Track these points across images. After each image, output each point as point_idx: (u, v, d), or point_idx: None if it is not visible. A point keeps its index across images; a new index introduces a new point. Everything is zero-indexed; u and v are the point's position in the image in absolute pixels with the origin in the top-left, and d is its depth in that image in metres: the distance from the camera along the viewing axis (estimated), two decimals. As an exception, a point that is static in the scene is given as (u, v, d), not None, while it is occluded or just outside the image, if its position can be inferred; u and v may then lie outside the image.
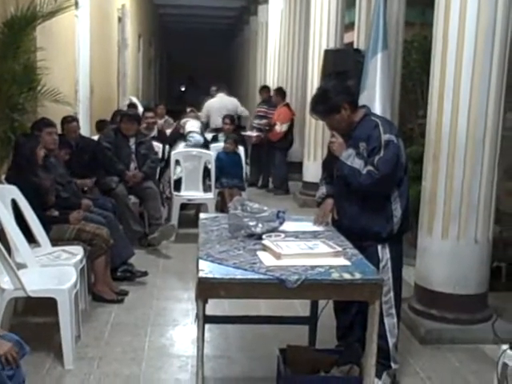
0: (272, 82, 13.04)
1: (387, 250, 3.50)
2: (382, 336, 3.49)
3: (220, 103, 10.17)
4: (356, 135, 3.45)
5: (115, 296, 4.92)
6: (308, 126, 9.20)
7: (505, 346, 3.07)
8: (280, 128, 9.90)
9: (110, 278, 5.04)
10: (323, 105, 3.47)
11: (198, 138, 8.21)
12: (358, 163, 3.37)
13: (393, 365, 3.61)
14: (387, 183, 3.40)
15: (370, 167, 3.33)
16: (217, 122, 9.71)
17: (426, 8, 7.24)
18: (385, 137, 3.35)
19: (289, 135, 10.01)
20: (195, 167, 7.37)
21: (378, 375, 3.50)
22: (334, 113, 3.44)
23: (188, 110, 9.83)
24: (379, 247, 3.50)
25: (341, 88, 3.50)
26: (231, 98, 10.66)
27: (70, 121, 6.16)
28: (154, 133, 8.06)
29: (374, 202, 3.46)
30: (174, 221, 6.94)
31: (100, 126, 7.59)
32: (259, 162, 10.35)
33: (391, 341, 3.54)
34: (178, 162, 7.36)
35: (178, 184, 7.35)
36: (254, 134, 10.15)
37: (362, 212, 3.48)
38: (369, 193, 3.42)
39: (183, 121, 8.63)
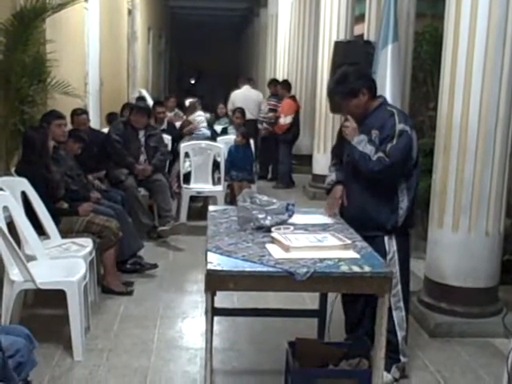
0: (282, 75, 13.00)
1: (394, 243, 3.49)
2: (391, 329, 3.48)
3: (245, 95, 10.21)
4: (368, 123, 3.45)
5: (124, 288, 4.93)
6: (318, 118, 9.18)
7: (515, 340, 3.05)
8: (284, 120, 9.85)
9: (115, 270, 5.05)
10: (342, 87, 3.47)
11: (204, 131, 8.22)
12: (368, 149, 3.36)
13: (402, 358, 3.60)
14: (396, 171, 3.39)
15: (380, 154, 3.32)
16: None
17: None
18: (399, 126, 3.35)
19: (293, 128, 9.91)
20: (204, 160, 7.37)
21: (387, 368, 3.51)
22: (352, 96, 3.43)
23: (189, 100, 9.73)
24: (386, 239, 3.49)
25: (362, 73, 3.53)
26: (256, 91, 10.82)
27: (79, 113, 6.17)
28: (164, 125, 8.06)
29: (381, 192, 3.46)
30: (183, 213, 6.94)
31: (110, 118, 7.60)
32: (268, 155, 10.31)
33: (400, 334, 3.54)
34: (187, 155, 7.35)
35: (187, 177, 7.35)
36: (263, 126, 10.13)
37: (368, 201, 3.49)
38: (376, 180, 3.41)
39: (192, 118, 8.57)
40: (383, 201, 3.46)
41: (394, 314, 3.50)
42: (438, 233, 4.39)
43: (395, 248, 3.49)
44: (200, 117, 8.45)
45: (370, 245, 3.24)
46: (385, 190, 3.45)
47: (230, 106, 10.01)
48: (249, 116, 9.82)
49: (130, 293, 4.91)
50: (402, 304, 3.51)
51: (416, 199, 3.52)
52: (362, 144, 3.39)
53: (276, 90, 10.52)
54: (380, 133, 3.38)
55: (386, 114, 3.43)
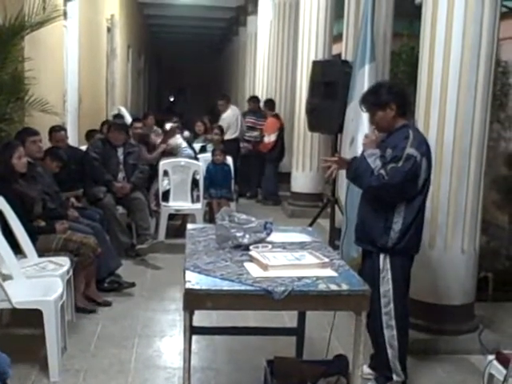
0: (261, 93, 13.06)
1: (388, 261, 3.52)
2: (382, 347, 3.52)
3: (235, 115, 10.13)
4: (388, 141, 3.51)
5: (95, 306, 4.94)
6: (296, 136, 9.23)
7: (491, 357, 3.09)
8: (268, 139, 9.96)
9: (95, 288, 5.01)
10: (373, 97, 3.55)
11: (189, 151, 8.20)
12: (376, 163, 3.41)
13: (394, 377, 3.62)
14: (393, 193, 3.43)
15: (382, 171, 3.37)
16: (234, 133, 9.89)
17: (413, 19, 7.31)
18: (409, 150, 3.37)
19: (278, 145, 10.00)
20: (183, 178, 7.36)
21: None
22: (379, 108, 3.49)
23: (169, 125, 9.70)
24: (381, 256, 3.54)
25: (395, 89, 3.56)
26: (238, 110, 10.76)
27: (57, 130, 6.14)
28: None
29: (378, 210, 3.52)
30: (162, 231, 6.92)
31: (90, 135, 7.57)
32: (248, 173, 10.33)
33: (390, 352, 3.56)
34: (165, 173, 7.34)
35: (165, 194, 7.33)
36: (243, 145, 10.16)
37: (367, 215, 3.58)
38: (375, 196, 3.48)
39: (173, 141, 8.46)
40: (378, 218, 3.51)
41: (385, 332, 3.53)
42: (415, 251, 4.43)
43: (389, 266, 3.52)
44: (179, 140, 8.40)
45: (367, 259, 3.43)
46: (382, 208, 3.50)
47: (225, 128, 9.64)
48: (233, 135, 9.84)
49: (108, 304, 4.96)
50: (393, 323, 3.53)
51: (419, 225, 3.53)
52: (372, 158, 3.45)
53: (256, 107, 10.59)
54: (392, 152, 3.43)
55: (403, 135, 3.46)
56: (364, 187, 3.53)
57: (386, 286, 3.50)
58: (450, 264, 4.33)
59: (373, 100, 3.55)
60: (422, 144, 3.45)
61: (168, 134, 8.18)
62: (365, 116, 4.78)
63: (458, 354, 4.24)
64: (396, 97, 3.51)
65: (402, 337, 3.59)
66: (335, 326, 4.06)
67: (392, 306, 3.53)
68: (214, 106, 18.12)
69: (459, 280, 4.36)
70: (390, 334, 3.55)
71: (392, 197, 3.46)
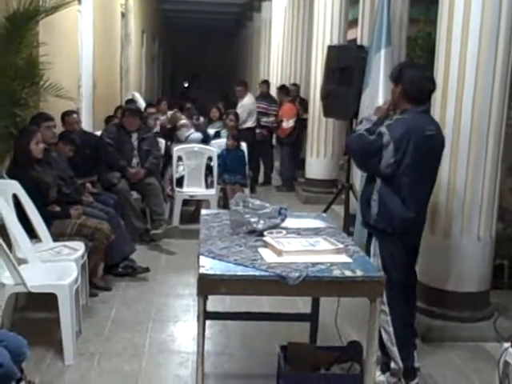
0: (275, 79, 13.02)
1: (377, 246, 3.50)
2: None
3: (254, 102, 9.95)
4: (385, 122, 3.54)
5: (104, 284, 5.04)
6: (311, 122, 9.18)
7: (506, 344, 3.06)
8: (287, 124, 9.93)
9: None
10: (394, 68, 3.69)
11: (196, 134, 8.18)
12: (361, 127, 3.54)
13: (392, 364, 3.57)
14: (354, 158, 3.77)
15: (355, 133, 3.57)
16: (254, 120, 9.73)
17: (430, 5, 7.23)
18: (382, 128, 3.39)
19: (296, 131, 9.96)
20: (197, 163, 7.36)
21: (382, 369, 3.61)
22: (392, 81, 3.56)
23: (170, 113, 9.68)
24: (373, 241, 3.54)
25: (413, 74, 3.48)
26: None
27: (70, 113, 6.15)
28: (157, 128, 8.05)
29: (366, 186, 3.61)
30: (176, 217, 6.93)
31: (110, 121, 7.57)
32: (261, 159, 10.30)
33: (385, 338, 3.52)
34: (180, 159, 7.34)
35: (180, 180, 7.34)
36: (258, 131, 10.10)
37: (362, 192, 3.72)
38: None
39: (179, 124, 8.43)
40: (365, 194, 3.58)
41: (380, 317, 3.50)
42: (431, 237, 4.39)
43: (378, 252, 3.49)
44: (186, 132, 8.34)
45: (367, 243, 3.49)
46: (367, 185, 3.58)
47: (243, 116, 9.43)
48: (251, 124, 9.73)
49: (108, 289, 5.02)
50: (386, 308, 3.47)
51: (400, 208, 3.42)
52: (367, 122, 3.58)
53: (266, 92, 10.53)
54: None
55: (390, 117, 3.51)
56: None
57: None
58: (465, 251, 4.30)
59: (392, 71, 3.65)
60: (400, 129, 3.37)
61: (171, 121, 8.12)
62: (380, 101, 4.74)
63: (474, 342, 4.22)
64: (407, 80, 3.46)
65: (399, 323, 3.52)
66: (349, 312, 4.06)
67: (384, 292, 3.44)
68: (228, 92, 18.09)
69: (475, 267, 4.33)
70: (384, 319, 3.48)
71: (355, 162, 3.74)
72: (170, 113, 9.73)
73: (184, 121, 8.32)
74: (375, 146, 3.36)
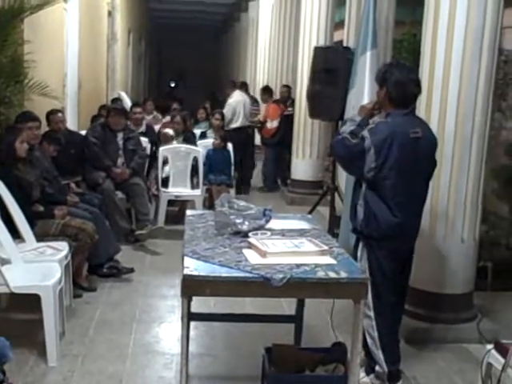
0: (262, 79, 13.03)
1: (365, 251, 3.47)
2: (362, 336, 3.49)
3: (244, 101, 9.84)
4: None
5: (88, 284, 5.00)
6: (297, 123, 9.19)
7: (489, 346, 3.08)
8: (271, 124, 9.91)
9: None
10: (379, 70, 3.62)
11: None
12: (346, 129, 3.51)
13: (377, 367, 3.57)
14: (340, 162, 3.74)
15: (339, 135, 3.52)
16: (240, 121, 9.62)
17: (416, 6, 7.24)
18: (364, 132, 3.37)
19: (280, 132, 9.93)
20: (183, 164, 7.34)
21: (367, 371, 3.62)
22: (378, 83, 3.54)
23: (173, 107, 9.62)
24: (360, 245, 3.52)
25: (397, 78, 3.42)
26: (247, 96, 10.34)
27: (54, 112, 6.12)
28: (142, 128, 8.01)
29: (353, 186, 3.60)
30: (161, 217, 6.91)
31: (96, 121, 7.53)
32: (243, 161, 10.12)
33: (369, 342, 3.52)
34: (165, 159, 7.31)
35: (165, 180, 7.31)
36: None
37: (348, 197, 3.78)
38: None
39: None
40: (354, 197, 3.56)
41: (364, 321, 3.47)
42: (415, 240, 4.42)
43: (365, 256, 3.47)
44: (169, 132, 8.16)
45: (354, 246, 3.50)
46: (354, 190, 3.57)
47: (228, 115, 9.38)
48: (244, 123, 9.67)
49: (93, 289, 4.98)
50: (371, 313, 3.45)
51: (385, 214, 3.38)
52: (351, 122, 3.56)
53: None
54: None
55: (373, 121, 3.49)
56: None
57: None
58: (449, 253, 4.32)
59: (377, 72, 3.61)
60: (380, 133, 3.33)
61: (163, 140, 7.90)
62: (365, 102, 4.75)
63: (457, 343, 4.24)
64: (392, 84, 3.41)
65: (384, 328, 3.50)
66: (334, 312, 4.06)
67: (370, 297, 3.36)
68: (215, 92, 18.05)
69: (459, 269, 4.35)
70: (369, 323, 3.47)
71: (340, 165, 3.77)
72: (155, 113, 9.69)
73: (170, 132, 8.08)
74: (357, 149, 3.33)
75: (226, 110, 9.39)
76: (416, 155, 3.39)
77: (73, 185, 5.88)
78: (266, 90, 10.46)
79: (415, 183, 3.45)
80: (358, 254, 3.51)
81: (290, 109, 9.97)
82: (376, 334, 3.50)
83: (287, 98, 10.34)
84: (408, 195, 3.41)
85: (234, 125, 9.52)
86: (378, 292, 3.43)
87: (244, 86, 10.90)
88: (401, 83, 3.41)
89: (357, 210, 3.48)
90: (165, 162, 7.32)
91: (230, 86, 10.14)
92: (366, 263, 3.46)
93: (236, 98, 9.78)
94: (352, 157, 3.40)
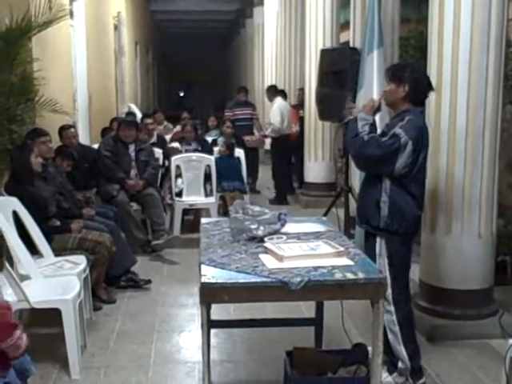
0: (270, 83, 13.02)
1: (384, 245, 3.51)
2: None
3: (286, 106, 9.71)
4: (390, 124, 3.56)
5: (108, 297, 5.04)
6: (307, 126, 9.19)
7: (512, 341, 3.05)
8: (296, 128, 9.88)
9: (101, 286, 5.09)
10: (396, 68, 3.62)
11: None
12: (364, 129, 3.49)
13: (400, 364, 3.58)
14: (367, 163, 3.54)
15: (364, 136, 3.45)
16: (286, 127, 9.53)
17: (421, 3, 7.24)
18: (397, 130, 3.39)
19: (300, 135, 9.78)
20: (196, 172, 7.36)
21: (389, 370, 3.61)
22: (394, 82, 3.52)
23: (183, 116, 9.62)
24: (377, 240, 3.53)
25: (418, 76, 3.52)
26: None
27: (67, 128, 6.17)
28: (154, 139, 8.06)
29: (370, 188, 3.57)
30: (177, 226, 6.93)
31: (106, 133, 7.58)
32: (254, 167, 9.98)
33: (391, 337, 3.53)
34: (178, 168, 7.33)
35: (179, 193, 7.32)
36: (254, 138, 9.95)
37: (363, 194, 3.67)
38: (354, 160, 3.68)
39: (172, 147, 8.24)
40: (371, 197, 3.54)
41: (384, 316, 3.49)
42: (431, 237, 4.40)
43: (384, 251, 3.51)
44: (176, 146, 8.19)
45: (366, 242, 3.50)
46: (373, 187, 3.54)
47: (278, 119, 9.29)
48: (288, 131, 9.59)
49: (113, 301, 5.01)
50: (392, 308, 3.50)
51: (409, 207, 3.46)
52: (363, 122, 3.53)
53: (245, 98, 10.39)
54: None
55: (401, 117, 3.48)
56: (345, 144, 3.66)
57: (383, 271, 3.45)
58: (467, 249, 4.29)
59: (394, 71, 3.59)
60: (414, 129, 3.41)
61: (172, 153, 7.89)
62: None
63: (479, 339, 4.21)
64: (413, 81, 3.47)
65: (404, 322, 3.55)
66: (353, 314, 4.06)
67: (390, 291, 3.46)
68: (225, 100, 18.08)
69: (477, 264, 4.33)
70: (390, 319, 3.50)
71: (367, 167, 3.59)
72: (166, 123, 9.73)
73: (175, 145, 8.09)
74: (393, 148, 3.36)
75: (274, 117, 9.28)
76: (428, 150, 3.58)
77: (91, 195, 5.94)
78: (270, 88, 10.24)
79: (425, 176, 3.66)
80: (377, 250, 3.51)
81: (301, 111, 9.96)
82: (397, 328, 3.53)
83: (302, 101, 10.18)
84: (424, 188, 3.61)
85: (285, 131, 9.45)
86: (399, 286, 3.47)
87: (243, 91, 10.77)
88: (421, 81, 3.51)
89: (379, 207, 3.48)
90: (178, 172, 7.34)
91: (271, 92, 9.92)
92: (385, 259, 3.49)
93: (280, 103, 9.63)
94: (387, 155, 3.38)
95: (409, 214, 3.47)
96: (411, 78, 3.47)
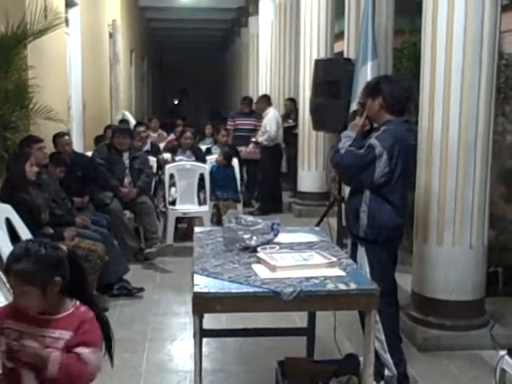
0: (264, 93, 13.05)
1: (364, 254, 3.55)
2: None
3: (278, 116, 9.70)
4: (371, 135, 3.58)
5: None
6: (301, 136, 9.22)
7: (503, 352, 3.07)
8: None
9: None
10: (371, 84, 3.72)
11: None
12: (345, 145, 3.57)
13: (386, 371, 3.59)
14: (346, 175, 3.71)
15: (341, 150, 3.56)
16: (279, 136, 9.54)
17: (414, 15, 7.28)
18: (372, 141, 3.46)
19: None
20: (189, 181, 7.37)
21: (376, 379, 3.56)
22: (370, 96, 3.61)
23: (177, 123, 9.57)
24: (359, 249, 3.59)
25: (391, 87, 3.61)
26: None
27: (61, 135, 6.17)
28: (147, 147, 8.06)
29: (352, 198, 3.67)
30: (170, 235, 6.93)
31: (99, 141, 7.60)
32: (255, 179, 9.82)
33: (377, 345, 3.52)
34: (172, 177, 7.34)
35: (172, 202, 7.32)
36: (249, 149, 9.64)
37: (347, 204, 3.78)
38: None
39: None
40: (352, 207, 3.62)
41: None
42: (423, 247, 4.42)
43: (365, 260, 3.54)
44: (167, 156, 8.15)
45: (352, 252, 3.54)
46: (353, 197, 3.63)
47: (274, 129, 9.32)
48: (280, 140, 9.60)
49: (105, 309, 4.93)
50: (377, 317, 3.48)
51: (389, 216, 3.50)
52: (346, 139, 3.61)
53: (250, 108, 10.22)
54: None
55: (377, 129, 3.56)
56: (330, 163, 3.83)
57: None
58: (458, 260, 4.31)
59: (368, 86, 3.71)
60: (389, 138, 3.46)
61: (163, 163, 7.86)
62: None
63: (470, 350, 4.22)
64: (387, 93, 3.55)
65: (389, 330, 3.57)
66: (345, 324, 4.07)
67: None
68: (219, 108, 18.12)
69: (469, 275, 4.34)
70: (376, 327, 3.50)
71: (347, 179, 3.76)
72: (160, 131, 9.74)
73: (165, 156, 8.06)
74: (368, 158, 3.43)
75: (270, 125, 9.27)
76: (410, 160, 3.70)
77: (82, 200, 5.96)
78: (263, 98, 10.05)
79: (408, 185, 3.74)
80: (358, 259, 3.55)
81: (290, 121, 9.96)
82: (383, 337, 3.55)
83: (291, 111, 10.12)
84: (405, 197, 3.66)
85: (278, 140, 9.47)
86: (382, 295, 3.46)
87: (247, 100, 10.67)
88: (394, 92, 3.59)
89: (359, 216, 3.53)
90: (171, 181, 7.34)
91: (263, 102, 9.77)
92: (367, 268, 3.52)
93: (275, 113, 9.58)
94: (363, 166, 3.45)
95: (388, 223, 3.52)
96: (384, 89, 3.56)
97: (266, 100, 9.93)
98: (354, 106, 5.40)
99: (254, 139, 9.54)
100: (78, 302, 2.32)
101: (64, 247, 2.30)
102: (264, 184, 9.48)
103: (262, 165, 9.44)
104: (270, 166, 9.39)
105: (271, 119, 9.39)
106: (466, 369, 4.02)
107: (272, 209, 8.98)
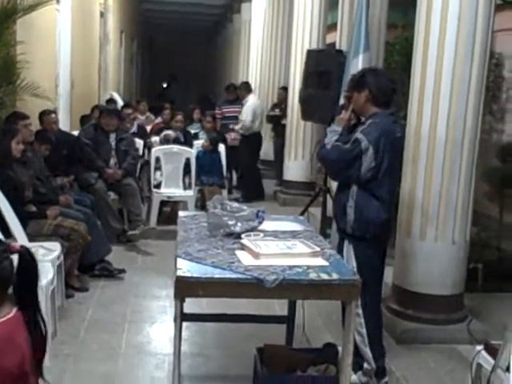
0: (254, 81, 13.01)
1: (351, 249, 3.54)
2: None
3: (261, 104, 9.64)
4: (357, 128, 3.55)
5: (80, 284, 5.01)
6: (289, 125, 9.21)
7: (479, 347, 3.10)
8: None
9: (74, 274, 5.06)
10: (356, 77, 3.67)
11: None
12: (331, 140, 3.54)
13: (365, 365, 3.61)
14: (332, 169, 3.70)
15: (327, 145, 3.54)
16: (258, 125, 9.48)
17: (408, 9, 7.28)
18: (358, 135, 3.43)
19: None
20: (175, 165, 7.34)
21: (354, 369, 3.58)
22: (355, 90, 3.58)
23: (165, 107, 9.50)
24: (345, 244, 3.57)
25: (380, 80, 3.58)
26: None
27: (48, 113, 6.12)
28: (134, 129, 8.02)
29: (339, 193, 3.65)
30: (153, 218, 6.91)
31: (85, 121, 7.54)
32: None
33: (358, 339, 3.54)
34: (157, 160, 7.31)
35: (157, 185, 7.30)
36: (232, 136, 9.50)
37: (335, 199, 3.76)
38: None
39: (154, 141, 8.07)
40: (340, 202, 3.60)
41: None
42: (406, 241, 4.45)
43: (352, 254, 3.53)
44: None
45: (339, 246, 3.50)
46: (341, 192, 3.61)
47: (249, 119, 9.24)
48: (261, 127, 9.56)
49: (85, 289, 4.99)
50: (360, 311, 3.50)
51: (376, 212, 3.49)
52: (332, 133, 3.58)
53: (236, 96, 10.06)
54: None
55: (363, 123, 3.53)
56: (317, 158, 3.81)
57: None
58: (440, 254, 4.35)
59: (353, 79, 3.68)
60: (375, 132, 3.43)
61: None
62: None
63: (447, 344, 4.26)
64: (373, 85, 3.52)
65: (371, 325, 3.58)
66: (326, 314, 4.09)
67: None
68: (207, 93, 18.01)
69: (450, 270, 4.38)
70: (358, 321, 3.49)
71: (333, 174, 3.76)
72: (148, 114, 9.69)
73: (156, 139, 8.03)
74: (354, 153, 3.40)
75: (246, 115, 9.22)
76: (398, 153, 3.68)
77: (65, 180, 5.90)
78: (243, 86, 10.00)
79: (395, 180, 3.74)
80: (345, 254, 3.54)
81: (276, 110, 9.93)
82: (364, 331, 3.56)
83: (283, 101, 9.91)
84: (393, 191, 3.66)
85: (256, 129, 9.41)
86: (367, 289, 3.48)
87: (232, 88, 10.52)
88: (382, 82, 3.57)
89: (346, 212, 3.52)
90: (157, 163, 7.31)
91: (243, 89, 9.71)
92: (354, 262, 3.50)
93: (254, 101, 9.54)
94: (349, 160, 3.42)
95: (374, 218, 3.49)
96: (370, 82, 3.54)
97: (246, 87, 9.88)
98: (343, 98, 5.40)
99: (233, 127, 9.51)
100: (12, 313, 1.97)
101: (17, 245, 2.02)
102: (241, 172, 9.46)
103: (239, 153, 9.33)
104: (246, 155, 9.29)
105: (248, 108, 9.34)
106: (443, 362, 4.06)
107: (254, 196, 8.96)
